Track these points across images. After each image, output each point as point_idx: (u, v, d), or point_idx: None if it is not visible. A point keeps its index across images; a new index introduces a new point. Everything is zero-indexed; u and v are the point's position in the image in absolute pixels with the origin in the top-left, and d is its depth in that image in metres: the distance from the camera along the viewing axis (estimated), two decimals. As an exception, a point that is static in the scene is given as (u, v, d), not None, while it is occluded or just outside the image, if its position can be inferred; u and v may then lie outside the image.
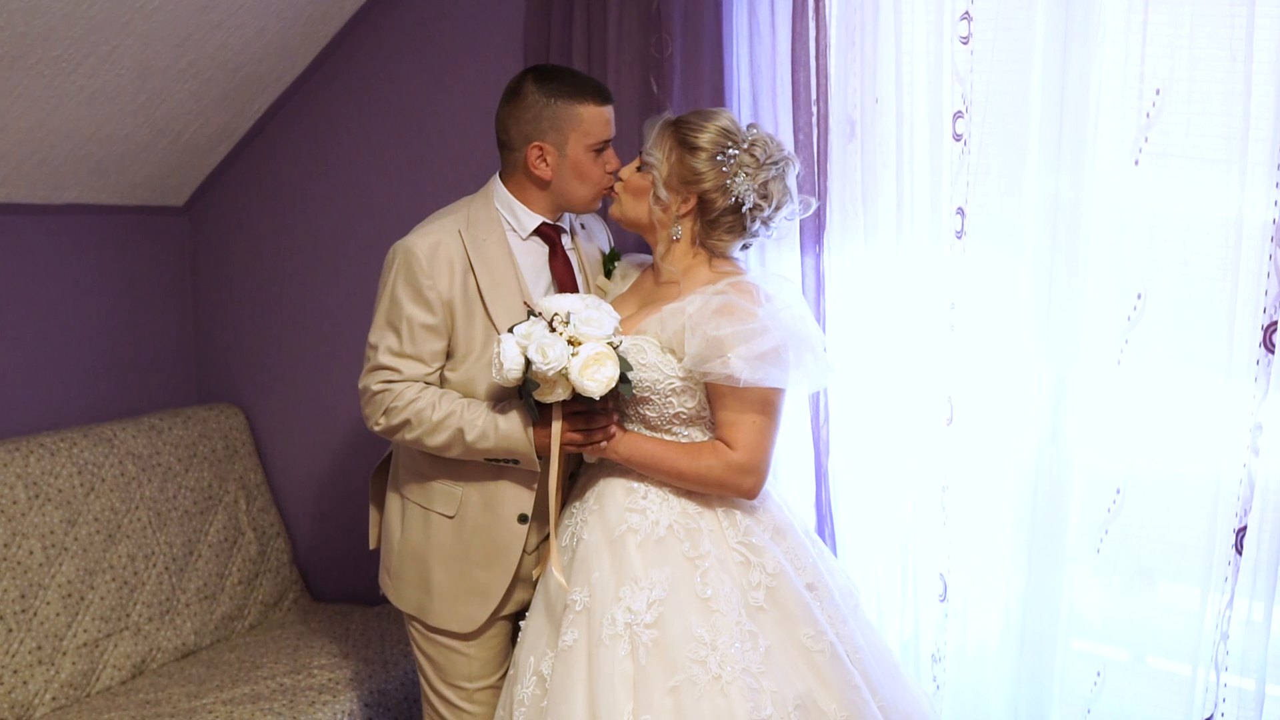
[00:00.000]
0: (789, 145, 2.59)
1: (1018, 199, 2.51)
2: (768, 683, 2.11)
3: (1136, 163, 2.35)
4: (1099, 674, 2.55)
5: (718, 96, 2.72)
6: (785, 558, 2.26)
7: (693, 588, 2.16)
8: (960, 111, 2.51)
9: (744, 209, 2.28)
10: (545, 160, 2.34)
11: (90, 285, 3.42)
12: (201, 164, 3.57)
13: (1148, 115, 2.32)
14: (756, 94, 2.72)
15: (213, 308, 3.75)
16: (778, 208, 2.32)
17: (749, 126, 2.32)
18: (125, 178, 3.37)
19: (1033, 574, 2.56)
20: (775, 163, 2.29)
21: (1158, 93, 2.31)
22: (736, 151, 2.26)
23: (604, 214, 2.55)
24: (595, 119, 2.33)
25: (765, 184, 2.28)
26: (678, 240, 2.32)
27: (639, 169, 2.35)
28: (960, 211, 2.54)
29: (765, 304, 2.21)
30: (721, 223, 2.30)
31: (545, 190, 2.39)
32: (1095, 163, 2.39)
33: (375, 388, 2.35)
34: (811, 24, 2.61)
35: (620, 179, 2.38)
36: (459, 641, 2.46)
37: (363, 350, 2.41)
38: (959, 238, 2.55)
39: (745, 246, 2.39)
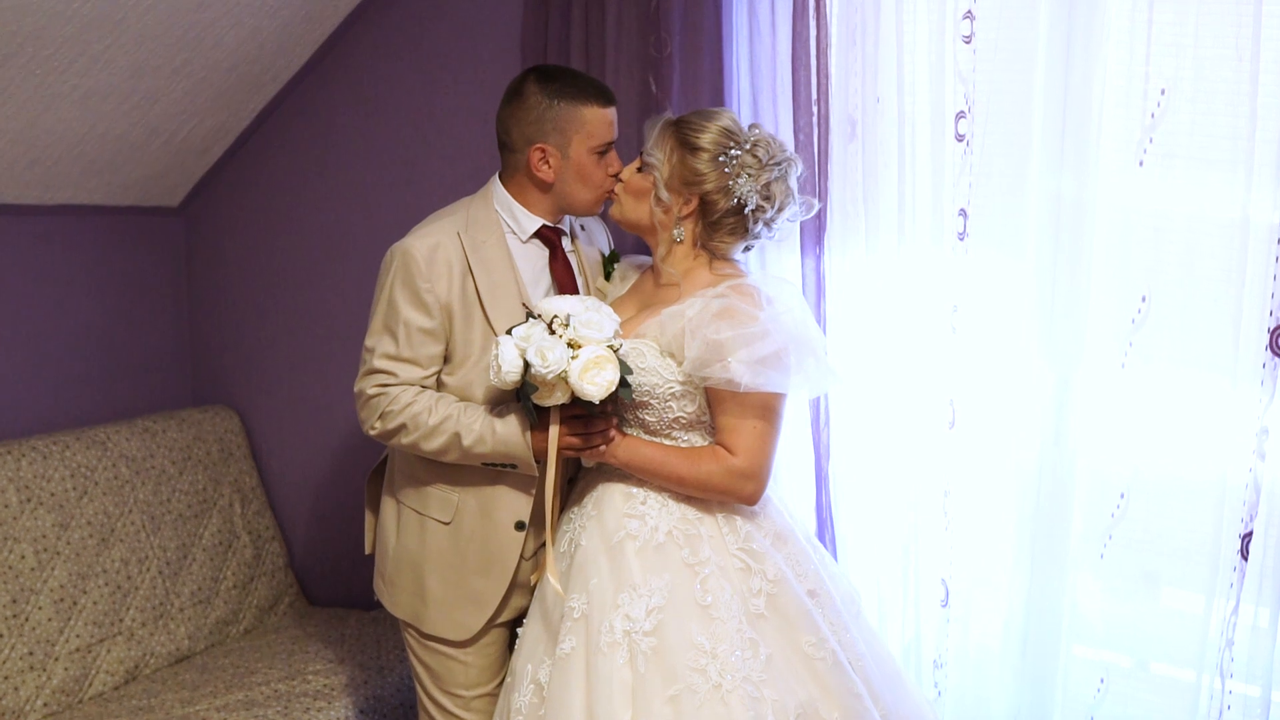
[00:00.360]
0: (790, 146, 2.57)
1: (1021, 200, 2.49)
2: (769, 691, 2.09)
3: (1141, 163, 2.33)
4: (1102, 680, 2.53)
5: (717, 96, 2.70)
6: (786, 564, 2.24)
7: (692, 595, 2.14)
8: (963, 111, 2.49)
9: (746, 210, 2.25)
10: (548, 162, 2.31)
11: (83, 287, 3.39)
12: (196, 164, 3.54)
13: (1152, 115, 2.30)
14: (756, 94, 2.70)
15: (207, 309, 3.72)
16: (780, 209, 2.30)
17: (751, 127, 2.29)
18: (119, 178, 3.35)
19: (1035, 578, 2.55)
20: (778, 163, 2.27)
21: (1162, 93, 2.29)
22: (739, 152, 2.24)
23: (604, 215, 2.52)
24: (599, 121, 2.31)
25: (768, 185, 2.26)
26: (680, 242, 2.30)
27: (640, 170, 2.33)
28: (962, 213, 2.52)
29: (766, 307, 2.19)
30: (724, 224, 2.27)
31: (547, 193, 2.36)
32: (1099, 163, 2.38)
33: (371, 391, 2.33)
34: (812, 23, 2.59)
35: (621, 180, 2.36)
36: (455, 649, 2.43)
37: (359, 353, 2.38)
38: (961, 239, 2.53)
39: (747, 248, 2.37)
